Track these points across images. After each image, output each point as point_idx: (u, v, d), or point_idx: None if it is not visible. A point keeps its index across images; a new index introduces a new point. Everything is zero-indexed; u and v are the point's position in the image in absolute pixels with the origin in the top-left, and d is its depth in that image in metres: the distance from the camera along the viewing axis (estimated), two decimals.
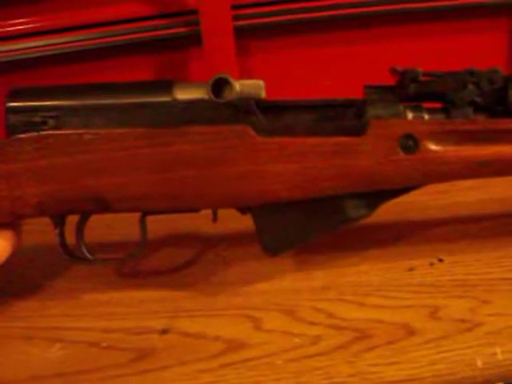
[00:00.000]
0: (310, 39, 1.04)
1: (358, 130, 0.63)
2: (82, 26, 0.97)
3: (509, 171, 0.65)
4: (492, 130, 0.63)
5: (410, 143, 0.63)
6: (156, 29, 0.98)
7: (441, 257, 0.71)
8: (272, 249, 0.66)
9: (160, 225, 0.71)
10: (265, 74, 0.99)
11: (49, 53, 0.97)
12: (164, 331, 0.63)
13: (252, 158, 0.62)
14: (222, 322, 0.64)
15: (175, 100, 0.62)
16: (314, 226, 0.65)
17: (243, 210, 0.66)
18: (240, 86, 0.61)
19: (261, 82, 0.62)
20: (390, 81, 0.65)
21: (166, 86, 0.63)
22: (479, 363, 0.56)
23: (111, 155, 0.61)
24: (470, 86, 0.63)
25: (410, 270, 0.69)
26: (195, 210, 0.66)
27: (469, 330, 0.60)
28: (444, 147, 0.63)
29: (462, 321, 0.61)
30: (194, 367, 0.58)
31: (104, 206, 0.63)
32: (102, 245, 0.74)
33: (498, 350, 0.57)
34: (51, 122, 0.61)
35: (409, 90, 0.63)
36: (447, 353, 0.57)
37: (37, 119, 0.61)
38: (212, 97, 0.60)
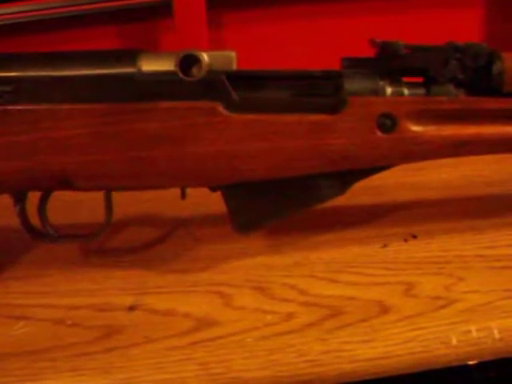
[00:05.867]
0: (283, 11, 1.03)
1: (335, 108, 0.61)
2: None
3: (488, 151, 0.64)
4: (474, 109, 0.62)
5: (388, 122, 0.61)
6: None
7: (415, 233, 0.70)
8: (243, 228, 0.64)
9: (128, 202, 0.69)
10: (237, 46, 0.97)
11: (11, 21, 0.94)
12: (131, 308, 0.62)
13: (222, 137, 0.60)
14: (192, 298, 0.63)
15: (140, 72, 0.59)
16: (286, 204, 0.64)
17: (213, 188, 0.64)
18: (210, 58, 0.58)
19: (232, 54, 0.59)
20: (367, 54, 0.63)
21: (131, 56, 0.59)
22: (454, 341, 0.56)
23: (72, 132, 0.59)
24: (453, 62, 0.61)
25: (384, 246, 0.69)
26: (162, 188, 0.64)
27: (443, 307, 0.59)
28: (423, 127, 0.62)
29: (437, 298, 0.61)
30: (163, 345, 0.57)
31: (67, 184, 0.61)
32: (67, 223, 0.72)
33: (473, 327, 0.57)
34: (7, 96, 0.58)
35: (389, 63, 0.61)
36: (421, 330, 0.57)
37: None
38: (180, 75, 0.57)
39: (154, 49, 1.00)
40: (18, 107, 0.58)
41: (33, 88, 0.58)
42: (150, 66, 0.59)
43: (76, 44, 0.98)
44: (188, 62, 0.57)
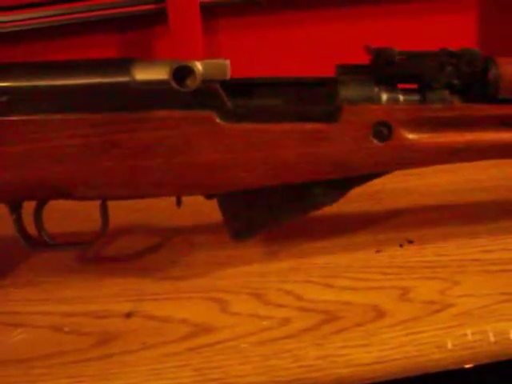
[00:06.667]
0: (279, 18, 1.03)
1: (330, 116, 0.61)
2: (42, 3, 0.94)
3: (483, 157, 0.64)
4: (469, 116, 0.62)
5: (384, 131, 0.61)
6: (121, 6, 0.96)
7: (410, 238, 0.70)
8: (238, 235, 0.65)
9: (124, 210, 0.69)
10: (232, 53, 0.98)
11: (6, 30, 0.94)
12: (128, 315, 0.62)
13: (216, 146, 0.60)
14: (188, 305, 0.63)
15: (134, 81, 0.58)
16: (281, 212, 0.64)
17: (209, 196, 0.64)
18: (204, 67, 0.57)
19: (226, 62, 0.58)
20: (361, 61, 0.63)
21: (125, 65, 0.59)
22: (449, 345, 0.56)
23: (67, 143, 0.59)
24: (448, 68, 0.61)
25: (379, 251, 0.69)
26: (158, 196, 0.64)
27: (439, 311, 0.60)
28: (419, 134, 0.62)
29: (432, 302, 0.61)
30: (159, 351, 0.57)
31: (62, 193, 0.61)
32: (63, 231, 0.72)
33: (468, 331, 0.57)
34: (1, 107, 0.58)
35: (384, 70, 0.61)
36: (417, 334, 0.57)
37: None
38: (174, 86, 0.57)
39: (149, 56, 1.00)
40: (13, 118, 0.58)
41: (27, 98, 0.58)
42: (144, 74, 0.59)
43: (71, 53, 0.98)
44: (182, 73, 0.57)
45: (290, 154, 0.61)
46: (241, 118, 0.60)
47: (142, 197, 0.63)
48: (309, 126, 0.61)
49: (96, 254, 0.72)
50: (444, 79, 0.62)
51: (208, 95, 0.59)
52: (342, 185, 0.63)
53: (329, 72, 0.63)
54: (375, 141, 0.61)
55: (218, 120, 0.59)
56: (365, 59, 0.63)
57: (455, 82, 0.62)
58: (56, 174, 0.59)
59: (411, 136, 0.62)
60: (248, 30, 1.03)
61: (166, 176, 0.60)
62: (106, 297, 0.64)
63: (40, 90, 0.58)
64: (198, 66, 0.57)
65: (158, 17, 0.97)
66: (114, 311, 0.62)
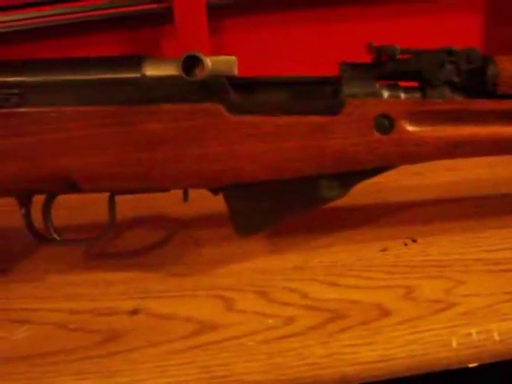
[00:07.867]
0: (285, 17, 1.03)
1: (333, 110, 0.61)
2: (50, 1, 0.95)
3: (484, 152, 0.65)
4: (469, 110, 0.63)
5: (386, 123, 0.62)
6: (127, 5, 0.96)
7: (415, 237, 0.70)
8: (244, 230, 0.65)
9: (130, 205, 0.69)
10: (238, 53, 0.98)
11: (16, 29, 0.94)
12: (134, 312, 0.62)
13: (223, 138, 0.60)
14: (193, 302, 0.63)
15: (144, 76, 0.59)
16: (287, 207, 0.64)
17: (215, 190, 0.65)
18: (212, 62, 0.58)
19: (233, 59, 0.60)
20: (366, 59, 0.63)
21: (135, 61, 0.60)
22: (454, 344, 0.56)
23: (77, 134, 0.59)
24: (448, 66, 0.62)
25: (384, 250, 0.69)
26: (165, 190, 0.64)
27: (443, 310, 0.60)
28: (420, 127, 0.62)
29: (437, 301, 0.61)
30: (164, 348, 0.57)
31: (71, 186, 0.61)
32: (70, 226, 0.73)
33: (473, 330, 0.57)
34: (14, 99, 0.59)
35: (385, 67, 0.63)
36: (422, 333, 0.57)
37: None
38: (183, 75, 0.58)
39: (155, 55, 1.00)
40: (25, 110, 0.58)
41: (40, 91, 0.59)
42: (154, 70, 0.60)
43: (80, 50, 0.98)
44: (191, 62, 0.58)
45: (294, 146, 0.61)
46: (247, 111, 0.61)
47: (150, 190, 0.63)
48: (312, 119, 0.61)
49: (101, 250, 0.72)
50: (444, 77, 0.63)
51: (216, 88, 0.60)
52: (347, 179, 0.64)
53: (334, 71, 0.63)
54: (377, 133, 0.62)
55: (225, 112, 0.60)
56: (369, 59, 0.64)
57: (455, 79, 0.63)
58: (66, 166, 0.60)
59: (412, 129, 0.62)
60: (254, 29, 1.03)
61: (174, 168, 0.61)
62: (112, 294, 0.65)
63: (53, 83, 0.59)
64: (207, 59, 0.58)
65: (165, 16, 0.97)
66: (120, 309, 0.62)
